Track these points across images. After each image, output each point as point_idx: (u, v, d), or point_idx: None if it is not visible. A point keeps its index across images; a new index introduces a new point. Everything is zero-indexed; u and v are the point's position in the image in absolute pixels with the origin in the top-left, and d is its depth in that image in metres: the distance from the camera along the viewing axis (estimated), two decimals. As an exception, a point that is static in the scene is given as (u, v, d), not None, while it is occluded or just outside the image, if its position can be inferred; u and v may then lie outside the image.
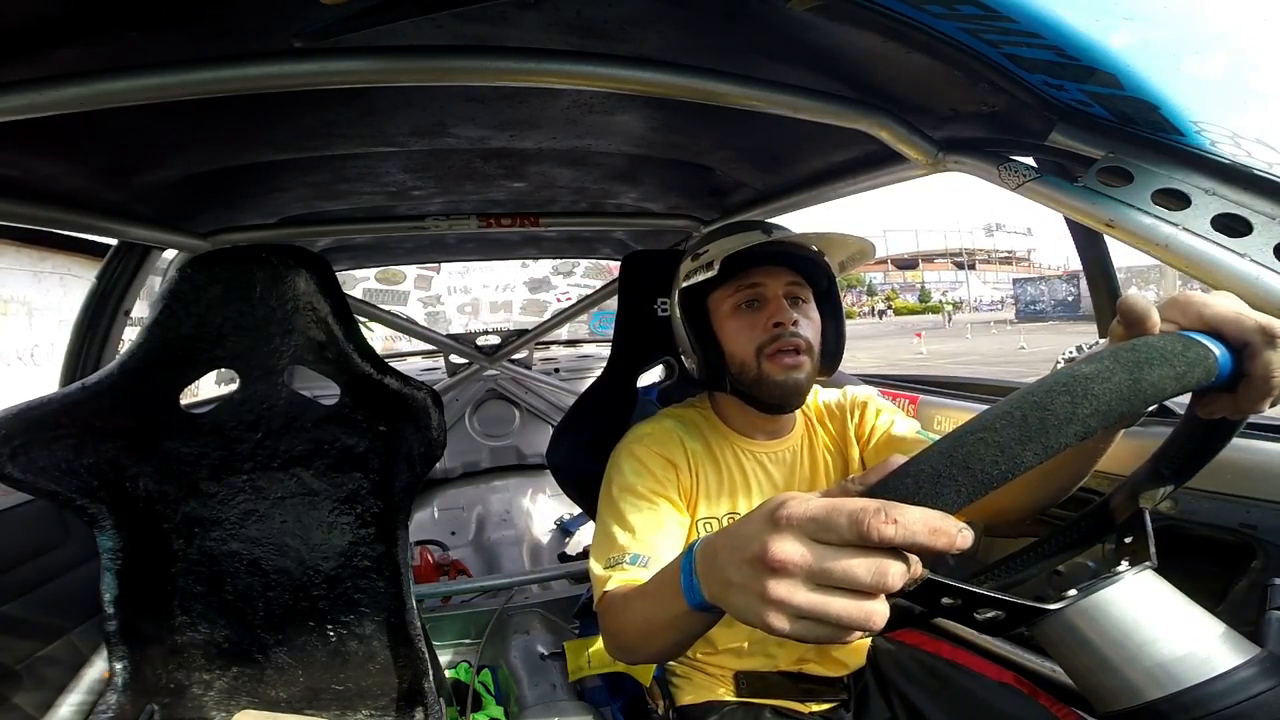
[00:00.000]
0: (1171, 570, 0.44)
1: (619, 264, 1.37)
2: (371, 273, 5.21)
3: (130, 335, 1.15)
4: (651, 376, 1.41)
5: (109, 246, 1.37)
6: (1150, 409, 0.46)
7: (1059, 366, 0.44)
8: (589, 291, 2.62)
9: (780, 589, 0.36)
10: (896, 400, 1.54)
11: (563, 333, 3.25)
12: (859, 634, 0.36)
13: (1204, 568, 0.86)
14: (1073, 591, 0.42)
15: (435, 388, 1.06)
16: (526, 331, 2.34)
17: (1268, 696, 0.37)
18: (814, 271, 0.95)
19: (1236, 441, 0.49)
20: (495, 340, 2.35)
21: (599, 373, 1.22)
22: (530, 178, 1.24)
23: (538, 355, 2.77)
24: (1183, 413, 0.49)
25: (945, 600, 0.38)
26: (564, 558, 2.31)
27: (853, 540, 0.35)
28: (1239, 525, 0.84)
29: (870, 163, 1.02)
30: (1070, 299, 30.10)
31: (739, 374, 0.92)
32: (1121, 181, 0.59)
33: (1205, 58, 0.55)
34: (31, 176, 0.89)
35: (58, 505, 0.96)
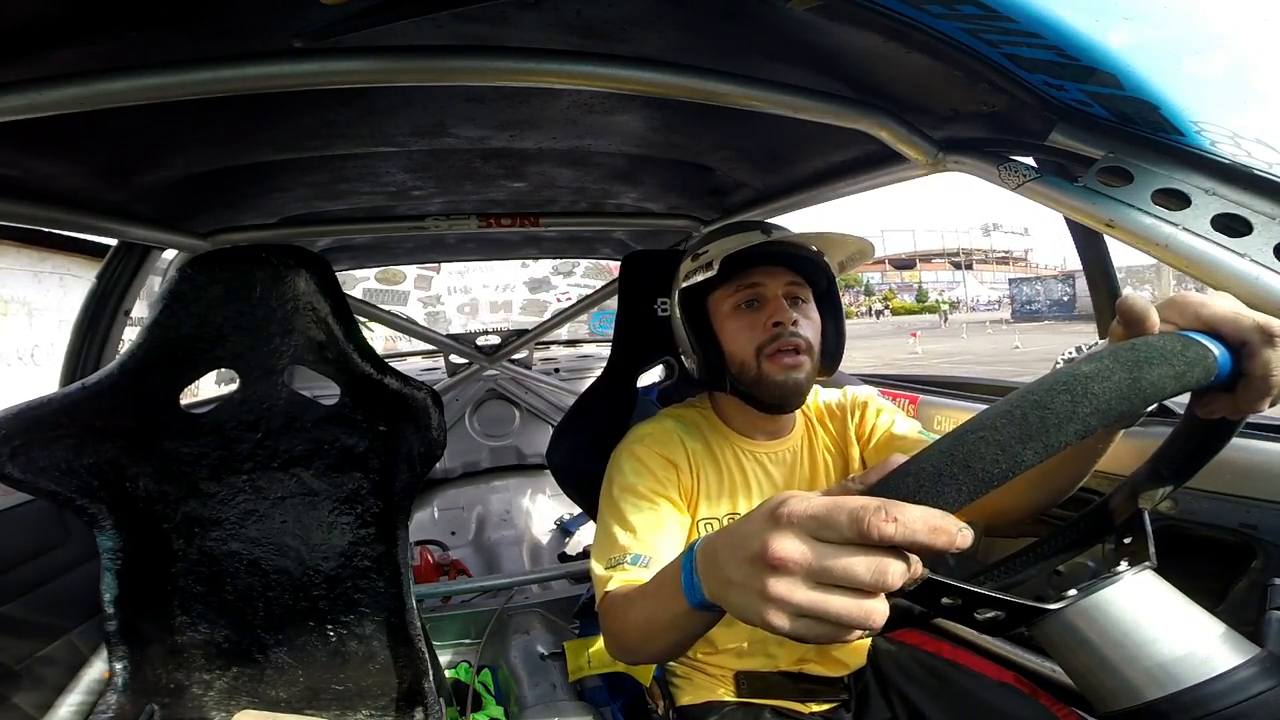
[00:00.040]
0: (1171, 570, 0.44)
1: (619, 264, 1.37)
2: (371, 273, 5.21)
3: (130, 335, 1.15)
4: (651, 376, 1.41)
5: (109, 246, 1.37)
6: (1150, 409, 0.46)
7: (1059, 367, 0.44)
8: (589, 291, 2.62)
9: (780, 587, 0.36)
10: (896, 400, 1.54)
11: (563, 333, 3.25)
12: (859, 633, 0.36)
13: (1204, 568, 0.86)
14: (1073, 591, 0.42)
15: (435, 388, 1.06)
16: (526, 331, 2.34)
17: (1268, 696, 0.37)
18: (813, 271, 0.95)
19: (1236, 441, 0.49)
20: (495, 340, 2.35)
21: (599, 373, 1.22)
22: (530, 178, 1.24)
23: (538, 355, 2.77)
24: (1182, 413, 0.50)
25: (945, 600, 0.38)
26: (564, 558, 2.31)
27: (853, 538, 0.35)
28: (1239, 525, 0.84)
29: (870, 163, 1.02)
30: (1066, 299, 30.19)
31: (739, 374, 0.92)
32: (1121, 181, 0.59)
33: (1205, 58, 0.55)
34: (31, 176, 0.89)
35: (58, 505, 0.96)
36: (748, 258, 0.90)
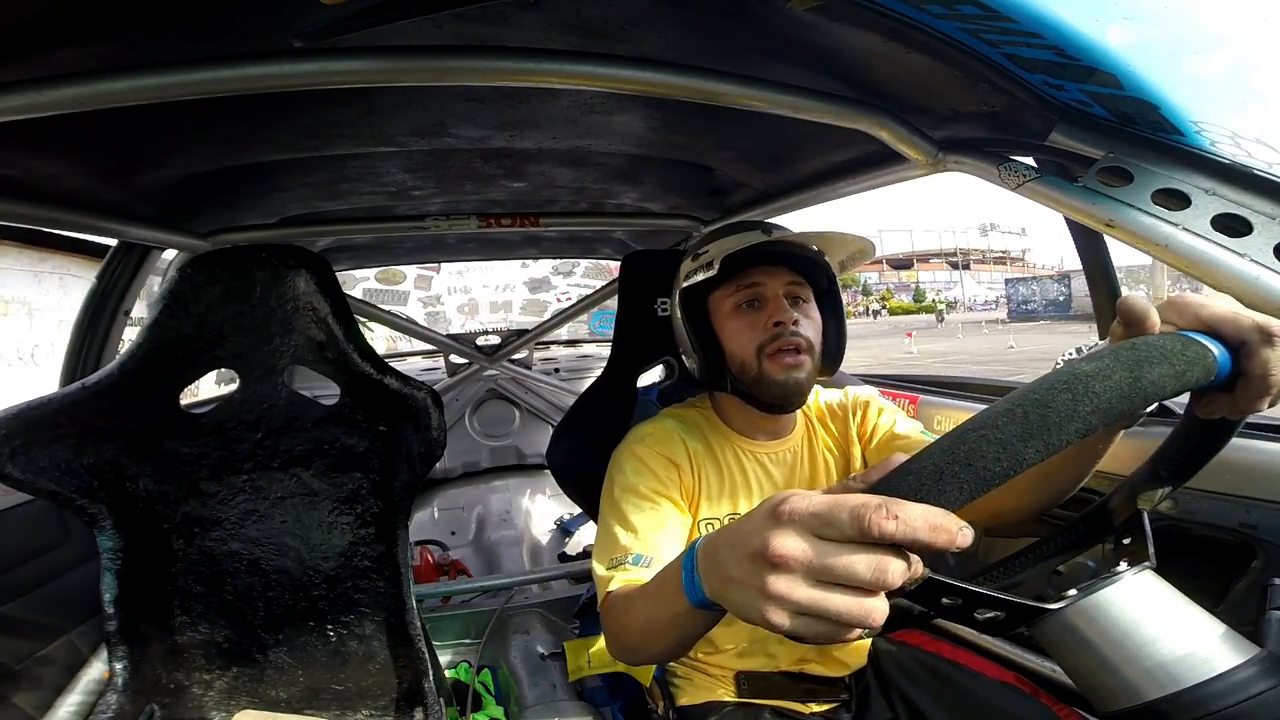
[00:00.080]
0: (1171, 570, 0.44)
1: (619, 264, 1.37)
2: (371, 273, 5.22)
3: (130, 335, 1.15)
4: (651, 376, 1.41)
5: (109, 246, 1.37)
6: (1149, 409, 0.46)
7: (1059, 366, 0.45)
8: (589, 291, 2.62)
9: (780, 584, 0.36)
10: (896, 400, 1.54)
11: (563, 333, 3.24)
12: (859, 632, 0.36)
13: (1204, 568, 0.86)
14: (1073, 591, 0.42)
15: (435, 388, 1.06)
16: (526, 331, 2.34)
17: (1268, 696, 0.37)
18: (814, 271, 0.95)
19: (1236, 441, 0.49)
20: (495, 340, 2.35)
21: (599, 373, 1.22)
22: (530, 178, 1.24)
23: (538, 355, 2.77)
24: (1181, 414, 0.50)
25: (946, 600, 0.38)
26: (564, 558, 2.31)
27: (854, 536, 0.35)
28: (1239, 525, 0.84)
29: (870, 163, 1.02)
30: (1062, 299, 30.33)
31: (740, 374, 0.91)
32: (1121, 181, 0.59)
33: (1205, 58, 0.55)
34: (31, 176, 0.89)
35: (58, 505, 0.96)
36: (748, 257, 0.90)
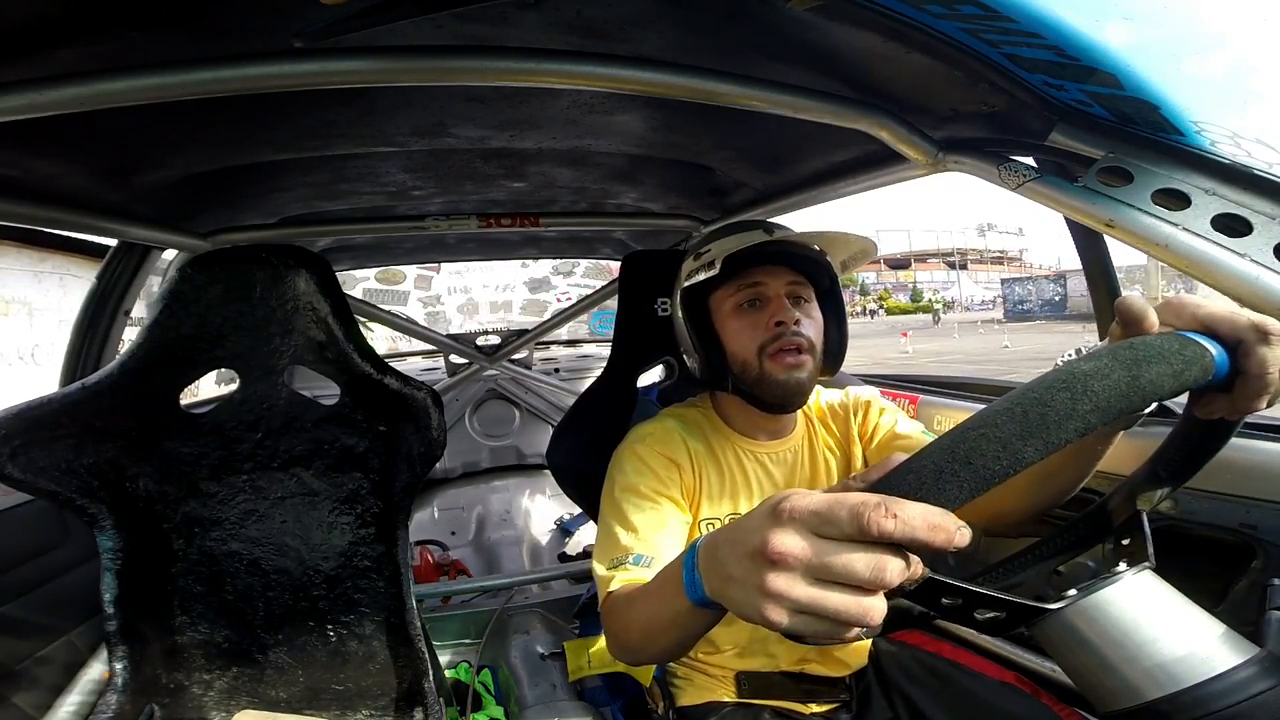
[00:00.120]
0: (1171, 570, 0.44)
1: (619, 264, 1.37)
2: (371, 273, 5.21)
3: (130, 335, 1.15)
4: (651, 376, 1.41)
5: (109, 246, 1.37)
6: (1148, 410, 0.46)
7: (1058, 366, 0.45)
8: (589, 291, 2.62)
9: (779, 582, 0.36)
10: (896, 400, 1.54)
11: (563, 333, 3.24)
12: (857, 631, 0.36)
13: (1204, 568, 0.86)
14: (1072, 591, 0.42)
15: (435, 388, 1.06)
16: (526, 331, 2.34)
17: (1267, 696, 0.37)
18: (816, 271, 0.95)
19: (1236, 441, 0.49)
20: (495, 340, 2.35)
21: (599, 373, 1.22)
22: (530, 178, 1.24)
23: (538, 355, 2.77)
24: (1180, 414, 0.50)
25: (945, 600, 0.38)
26: (564, 558, 2.31)
27: (853, 534, 0.35)
28: (1239, 525, 0.84)
29: (870, 163, 1.02)
30: (1057, 299, 30.51)
31: (741, 373, 0.91)
32: (1121, 181, 0.59)
33: (1205, 58, 0.55)
34: (31, 176, 0.89)
35: (58, 505, 0.96)
36: (749, 257, 0.90)
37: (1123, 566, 0.44)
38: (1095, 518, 0.52)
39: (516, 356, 2.48)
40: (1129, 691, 0.40)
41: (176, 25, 0.59)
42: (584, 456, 1.11)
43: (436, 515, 2.59)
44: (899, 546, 0.34)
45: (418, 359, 2.95)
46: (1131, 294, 0.48)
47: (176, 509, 1.04)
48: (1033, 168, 0.68)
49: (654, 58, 0.66)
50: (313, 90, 0.63)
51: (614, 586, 0.77)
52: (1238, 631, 0.41)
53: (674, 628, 0.58)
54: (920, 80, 0.67)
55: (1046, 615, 0.42)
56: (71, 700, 1.15)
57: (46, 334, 6.36)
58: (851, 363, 1.00)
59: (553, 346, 3.16)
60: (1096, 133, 0.62)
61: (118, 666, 0.98)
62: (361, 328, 1.08)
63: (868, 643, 1.00)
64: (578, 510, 2.46)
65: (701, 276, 0.91)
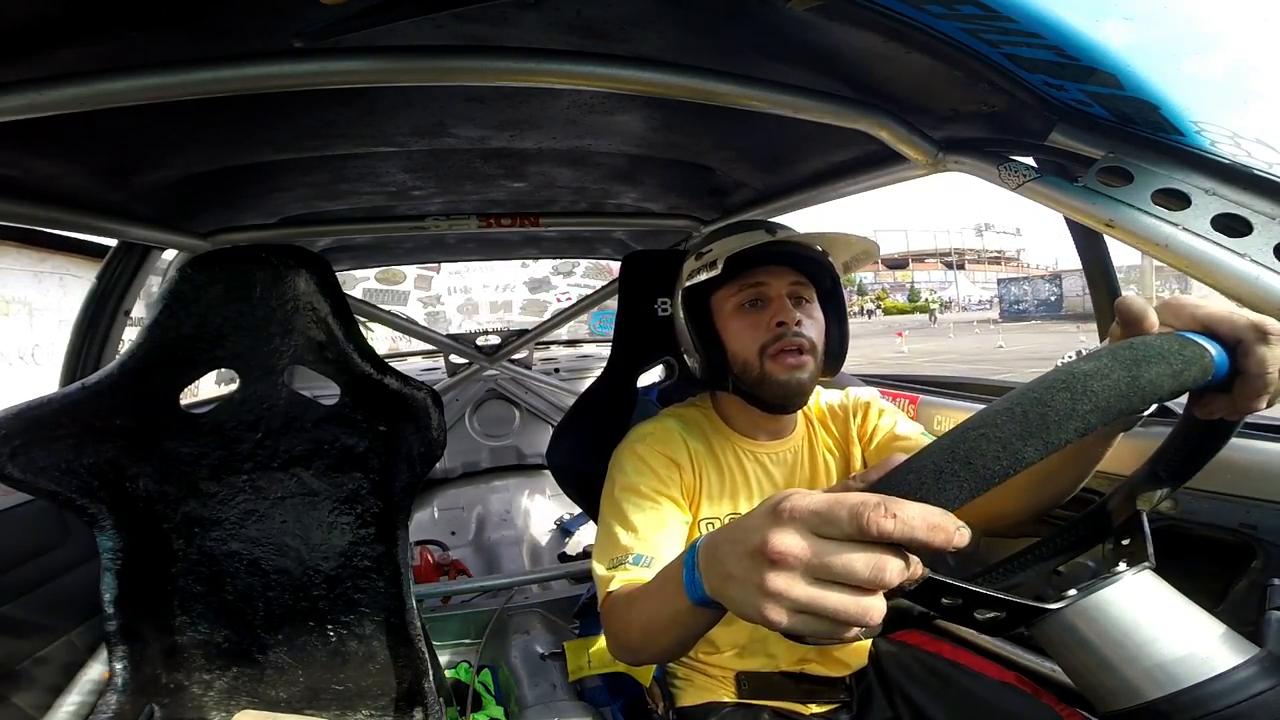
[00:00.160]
0: (1171, 570, 0.44)
1: (619, 264, 1.37)
2: (371, 273, 5.21)
3: (130, 335, 1.15)
4: (651, 376, 1.41)
5: (109, 246, 1.37)
6: (1148, 411, 0.46)
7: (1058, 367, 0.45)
8: (589, 291, 2.62)
9: (779, 581, 0.36)
10: (896, 400, 1.54)
11: (563, 333, 3.24)
12: (856, 631, 0.36)
13: (1204, 568, 0.86)
14: (1072, 591, 0.42)
15: (435, 388, 1.06)
16: (526, 331, 2.35)
17: (1267, 696, 0.37)
18: (818, 271, 0.95)
19: (1236, 441, 0.49)
20: (495, 340, 2.35)
21: (599, 373, 1.22)
22: (530, 178, 1.24)
23: (538, 355, 2.77)
24: (1180, 415, 0.50)
25: (945, 600, 0.38)
26: (564, 558, 2.31)
27: (853, 534, 0.35)
28: (1239, 525, 0.84)
29: (870, 163, 1.02)
30: (1053, 299, 30.70)
31: (742, 374, 0.91)
32: (1121, 181, 0.59)
33: (1205, 58, 0.55)
34: (31, 176, 0.89)
35: (58, 505, 0.96)
36: (751, 257, 0.89)
37: (1122, 566, 0.44)
38: (1095, 518, 0.52)
39: (516, 356, 2.48)
40: (1129, 691, 0.40)
41: (176, 25, 0.59)
42: (584, 456, 1.11)
43: (436, 515, 2.59)
44: (899, 546, 0.35)
45: (418, 359, 2.95)
46: (1131, 294, 0.49)
47: (176, 509, 1.04)
48: (1033, 168, 0.68)
49: (654, 58, 0.66)
50: (313, 90, 0.63)
51: (614, 586, 0.77)
52: (1238, 631, 0.41)
53: (674, 627, 0.58)
54: (920, 80, 0.67)
55: (1046, 615, 0.42)
56: (71, 700, 1.15)
57: (46, 334, 6.36)
58: (848, 362, 1.01)
59: (553, 346, 3.16)
60: (1096, 133, 0.62)
61: (117, 666, 0.98)
62: (361, 328, 1.08)
63: (867, 643, 1.00)
64: (578, 510, 2.46)
65: (703, 276, 0.91)
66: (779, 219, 1.12)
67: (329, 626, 1.09)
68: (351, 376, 1.04)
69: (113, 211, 1.09)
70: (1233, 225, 0.54)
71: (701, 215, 1.52)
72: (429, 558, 2.17)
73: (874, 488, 0.37)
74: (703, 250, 0.95)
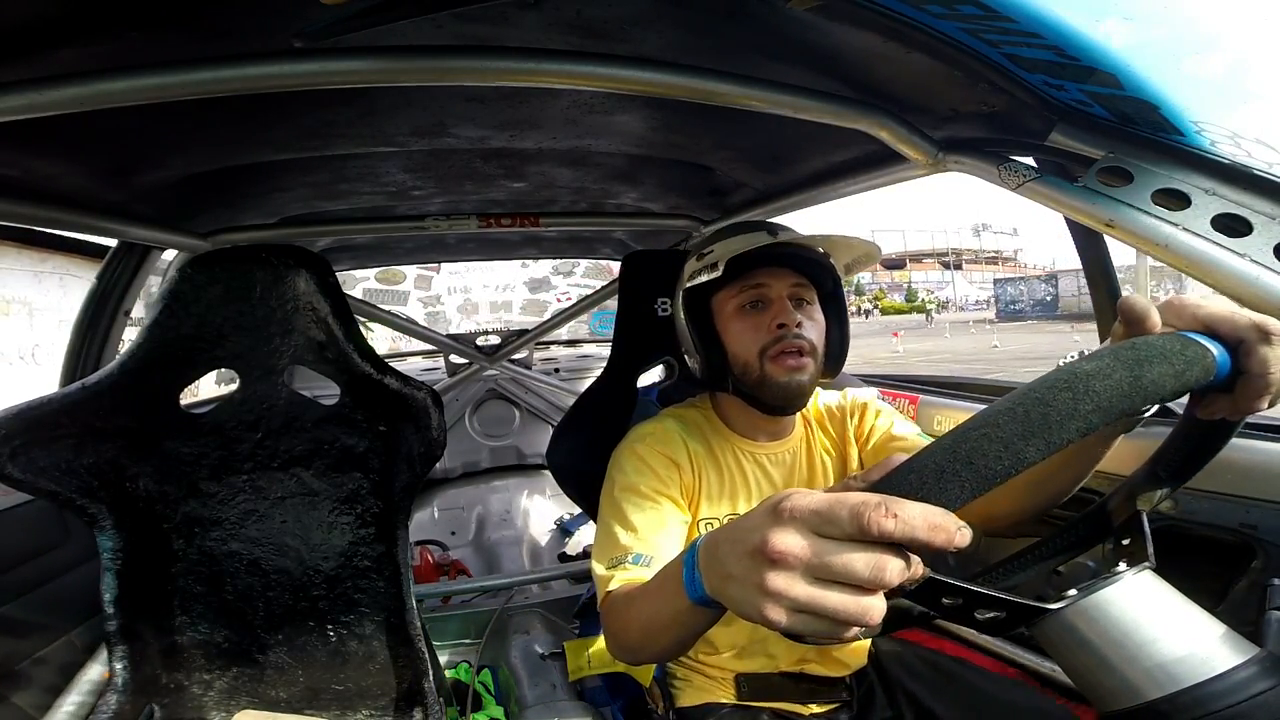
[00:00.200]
0: (1171, 570, 0.44)
1: (619, 264, 1.37)
2: (371, 273, 5.20)
3: (130, 335, 1.15)
4: (651, 376, 1.41)
5: (109, 247, 1.37)
6: (1149, 411, 0.46)
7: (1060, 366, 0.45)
8: (589, 291, 2.62)
9: (778, 581, 0.36)
10: (896, 400, 1.54)
11: (563, 333, 3.24)
12: (856, 630, 0.36)
13: (1204, 568, 0.86)
14: (1073, 591, 0.42)
15: (435, 388, 1.06)
16: (526, 331, 2.35)
17: (1267, 696, 0.37)
18: (819, 273, 0.94)
19: (1236, 441, 0.49)
20: (495, 340, 2.35)
21: (599, 373, 1.22)
22: (530, 178, 1.24)
23: (538, 355, 2.77)
24: (1180, 415, 0.50)
25: (946, 600, 0.38)
26: (564, 558, 2.31)
27: (853, 534, 0.35)
28: (1239, 525, 0.84)
29: (870, 163, 1.02)
30: (1049, 299, 30.88)
31: (742, 375, 0.91)
32: (1121, 181, 0.59)
33: (1205, 58, 0.55)
34: (31, 176, 0.89)
35: (58, 505, 0.96)
36: (753, 258, 0.89)
37: (1123, 566, 0.44)
38: (1095, 518, 0.52)
39: (516, 356, 2.48)
40: (1129, 691, 0.40)
41: (176, 25, 0.59)
42: (584, 456, 1.11)
43: (436, 515, 2.59)
44: (899, 546, 0.34)
45: (418, 359, 2.95)
46: (1134, 294, 0.48)
47: (176, 509, 1.04)
48: (1033, 168, 0.68)
49: (654, 58, 0.66)
50: (313, 90, 0.63)
51: (613, 586, 0.77)
52: (1238, 631, 0.41)
53: (674, 626, 0.58)
54: (920, 80, 0.67)
55: (1047, 615, 0.42)
56: (71, 700, 1.15)
57: (46, 334, 6.36)
58: (846, 362, 1.01)
59: (553, 346, 3.16)
60: (1096, 133, 0.62)
61: (117, 666, 0.98)
62: (361, 328, 1.08)
63: (867, 642, 1.00)
64: (578, 510, 2.46)
65: (704, 278, 0.91)
66: (779, 219, 1.12)
67: (329, 626, 1.09)
68: (351, 376, 1.04)
69: (113, 211, 1.09)
70: (1233, 225, 0.54)
71: (701, 215, 1.52)
72: (429, 558, 2.17)
73: (875, 487, 0.37)
74: (704, 251, 0.95)
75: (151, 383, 0.99)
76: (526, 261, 5.47)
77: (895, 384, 1.66)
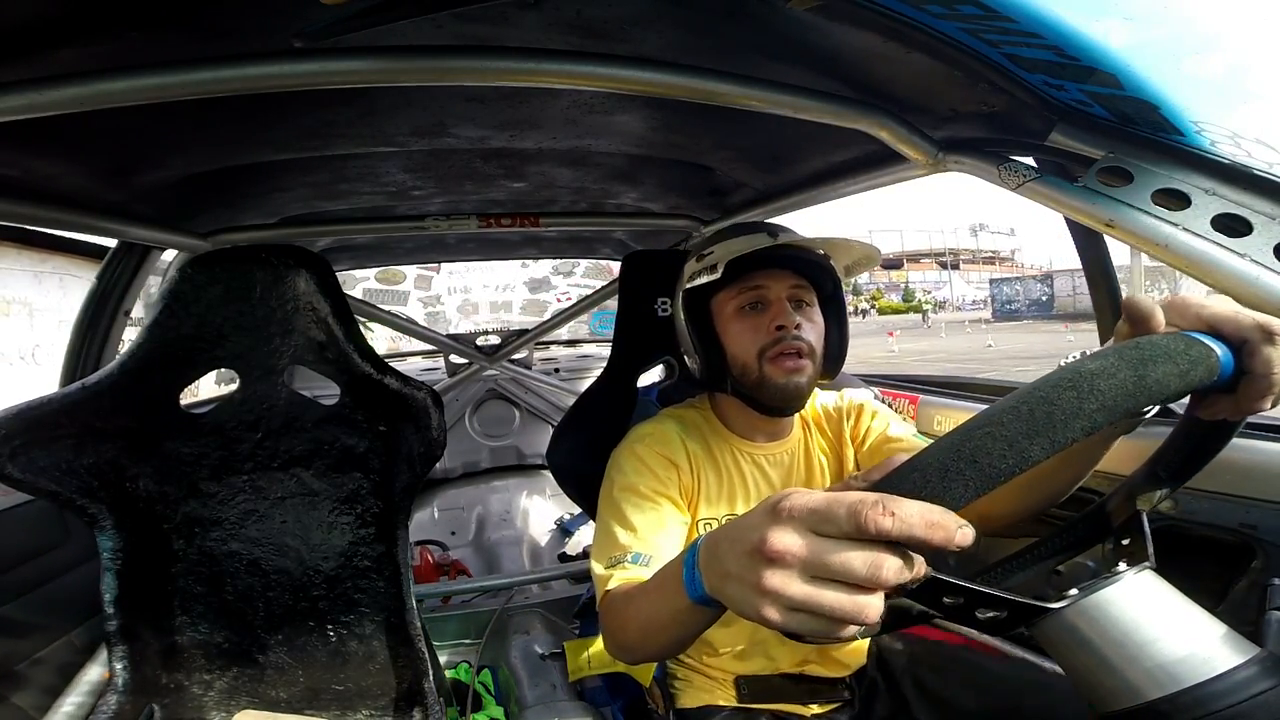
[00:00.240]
0: (1171, 570, 0.44)
1: (619, 264, 1.37)
2: (371, 273, 5.20)
3: (130, 335, 1.15)
4: (651, 376, 1.41)
5: (109, 247, 1.37)
6: (1151, 413, 0.46)
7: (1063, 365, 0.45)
8: (589, 291, 2.62)
9: (775, 579, 0.36)
10: (896, 400, 1.55)
11: (563, 333, 3.24)
12: (853, 630, 0.36)
13: (1204, 568, 0.86)
14: (1074, 591, 0.42)
15: (435, 388, 1.06)
16: (526, 331, 2.35)
17: (1268, 696, 0.37)
18: (819, 275, 0.94)
19: (1236, 441, 0.49)
20: (495, 340, 2.35)
21: (599, 373, 1.22)
22: (530, 178, 1.24)
23: (538, 355, 2.77)
24: (1181, 415, 0.50)
25: (947, 599, 0.38)
26: (564, 558, 2.32)
27: (851, 533, 0.35)
28: (1239, 525, 0.84)
29: (870, 163, 1.02)
30: (1044, 299, 31.10)
31: (740, 376, 0.91)
32: (1121, 181, 0.59)
33: (1205, 58, 0.55)
34: (31, 176, 0.89)
35: (58, 505, 0.96)
36: (753, 260, 0.89)
37: (1123, 566, 0.44)
38: (1094, 518, 0.52)
39: (516, 356, 2.48)
40: (1129, 691, 0.40)
41: (176, 25, 0.59)
42: (584, 456, 1.11)
43: (436, 515, 2.59)
44: (898, 545, 0.34)
45: (418, 359, 2.95)
46: (1139, 294, 0.48)
47: (176, 509, 1.04)
48: (1033, 168, 0.68)
49: (654, 58, 0.66)
50: (313, 90, 0.63)
51: (612, 585, 0.77)
52: (1238, 631, 0.41)
53: (672, 625, 0.58)
54: (920, 80, 0.67)
55: (1048, 614, 0.42)
56: (71, 701, 1.15)
57: (47, 334, 6.36)
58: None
59: (553, 346, 3.16)
60: (1096, 133, 0.62)
61: (117, 667, 0.98)
62: (361, 328, 1.08)
63: (867, 641, 1.00)
64: (578, 510, 2.46)
65: (704, 279, 0.91)
66: (779, 219, 1.12)
67: (329, 626, 1.09)
68: (351, 376, 1.04)
69: (113, 211, 1.08)
70: (1233, 225, 0.54)
71: (701, 215, 1.52)
72: (429, 558, 2.17)
73: (877, 486, 0.37)
74: (704, 252, 0.95)
75: (151, 383, 0.99)
76: (526, 261, 5.47)
77: (895, 384, 1.66)
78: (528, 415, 2.70)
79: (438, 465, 1.11)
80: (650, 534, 0.82)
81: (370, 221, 1.43)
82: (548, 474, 2.53)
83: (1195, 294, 0.45)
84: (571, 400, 1.39)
